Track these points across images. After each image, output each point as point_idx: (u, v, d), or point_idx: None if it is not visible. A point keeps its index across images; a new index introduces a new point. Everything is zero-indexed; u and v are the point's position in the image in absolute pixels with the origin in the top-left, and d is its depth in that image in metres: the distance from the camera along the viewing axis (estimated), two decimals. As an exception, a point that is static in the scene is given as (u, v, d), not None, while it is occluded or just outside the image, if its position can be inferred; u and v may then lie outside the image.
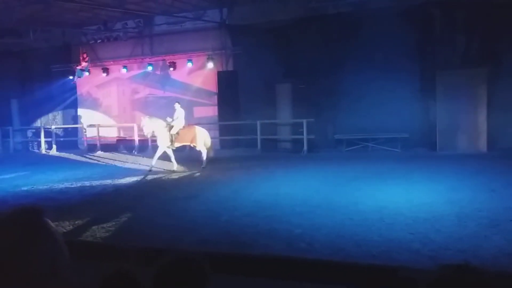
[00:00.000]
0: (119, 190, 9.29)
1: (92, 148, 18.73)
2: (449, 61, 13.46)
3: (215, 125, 17.69)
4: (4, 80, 19.71)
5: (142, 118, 12.71)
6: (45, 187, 9.99)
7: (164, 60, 18.35)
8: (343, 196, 7.73)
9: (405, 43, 13.79)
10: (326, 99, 14.71)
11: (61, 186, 10.02)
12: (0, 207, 7.69)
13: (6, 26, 16.23)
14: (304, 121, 14.70)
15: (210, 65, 17.22)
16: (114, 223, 6.51)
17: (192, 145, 12.33)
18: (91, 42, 18.80)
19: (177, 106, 12.50)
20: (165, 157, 11.91)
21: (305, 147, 14.82)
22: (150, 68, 18.44)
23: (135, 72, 19.28)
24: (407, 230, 5.57)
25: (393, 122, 13.74)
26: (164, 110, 18.72)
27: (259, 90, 15.93)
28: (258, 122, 15.55)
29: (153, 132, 12.13)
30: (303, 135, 14.85)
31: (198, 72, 17.94)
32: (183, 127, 12.19)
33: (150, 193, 8.94)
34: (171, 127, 11.97)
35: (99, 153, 17.11)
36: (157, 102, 19.18)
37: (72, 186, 9.98)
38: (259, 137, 15.65)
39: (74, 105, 20.62)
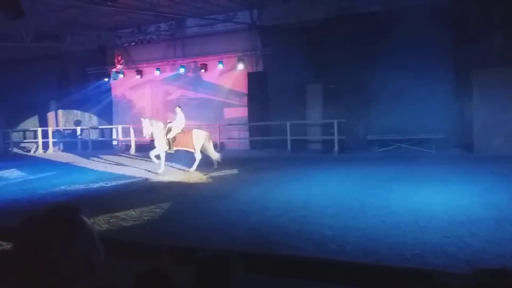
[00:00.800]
0: (152, 190, 9.46)
1: (127, 148, 19.21)
2: (485, 59, 12.96)
3: (245, 126, 17.79)
4: (43, 82, 20.50)
5: (142, 119, 12.69)
6: (82, 186, 10.32)
7: (195, 62, 18.61)
8: (375, 198, 7.60)
9: (439, 41, 13.41)
10: (358, 99, 14.50)
11: (96, 185, 10.32)
12: (40, 204, 8.00)
13: (45, 31, 16.89)
14: (335, 122, 14.55)
15: (241, 66, 17.33)
16: (147, 221, 6.65)
17: (189, 150, 12.10)
18: (125, 45, 19.31)
19: (178, 110, 12.47)
20: (190, 159, 11.98)
21: (336, 148, 14.65)
22: (182, 70, 18.74)
23: (168, 74, 19.64)
24: (442, 233, 5.41)
25: (427, 123, 13.39)
26: (195, 111, 19.02)
27: (289, 90, 15.88)
28: (288, 123, 15.51)
29: (152, 133, 12.10)
30: (334, 136, 14.70)
31: (229, 74, 18.09)
32: (181, 131, 12.13)
33: (181, 192, 9.06)
34: (169, 131, 11.98)
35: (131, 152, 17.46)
36: (189, 103, 19.45)
37: (107, 185, 10.26)
38: (289, 138, 15.60)
39: (109, 106, 21.21)
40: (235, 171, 11.82)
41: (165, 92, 20.12)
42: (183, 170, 12.19)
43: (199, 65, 18.36)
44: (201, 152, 12.00)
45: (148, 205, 7.89)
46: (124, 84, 20.61)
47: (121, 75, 19.60)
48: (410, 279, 2.29)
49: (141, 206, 7.80)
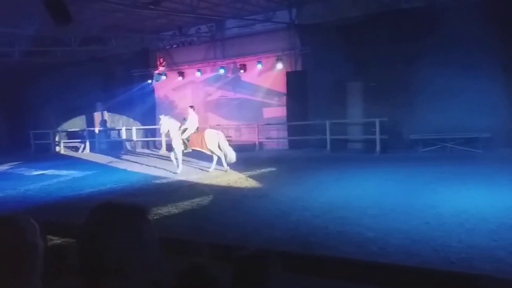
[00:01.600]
0: (194, 188, 9.65)
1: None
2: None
3: (284, 126, 17.77)
4: (90, 84, 21.40)
5: (161, 116, 12.72)
6: (127, 184, 10.68)
7: (234, 62, 18.79)
8: (419, 199, 7.38)
9: (485, 36, 12.77)
10: (400, 97, 14.12)
11: (140, 183, 10.65)
12: (88, 202, 8.36)
13: (91, 35, 17.62)
14: (377, 121, 14.23)
15: (279, 65, 17.32)
16: (188, 219, 6.79)
17: (202, 150, 12.06)
18: (167, 47, 19.81)
19: (190, 110, 12.49)
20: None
21: (378, 148, 14.34)
22: (222, 71, 18.97)
23: (208, 75, 19.94)
24: (490, 237, 5.18)
25: (474, 121, 12.81)
26: (235, 111, 19.23)
27: (329, 89, 15.70)
28: (328, 122, 15.33)
29: (168, 131, 12.22)
30: (375, 135, 14.39)
31: (268, 73, 18.13)
32: (195, 132, 12.14)
33: (221, 191, 9.19)
34: (183, 131, 12.07)
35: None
36: (229, 103, 19.70)
37: (150, 183, 10.56)
38: (328, 137, 15.42)
39: (153, 107, 21.80)
40: (273, 170, 11.83)
41: (206, 93, 20.45)
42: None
43: (238, 66, 18.52)
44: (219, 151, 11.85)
45: (189, 203, 8.06)
46: (167, 85, 21.12)
47: (163, 77, 20.08)
48: (455, 284, 2.22)
49: (182, 204, 7.98)
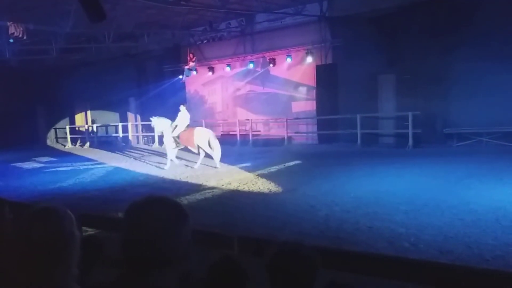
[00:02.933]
0: (223, 182, 9.74)
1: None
2: None
3: (313, 120, 17.64)
4: (123, 80, 21.93)
5: (151, 118, 13.00)
6: (159, 177, 10.90)
7: (264, 56, 18.78)
8: (453, 195, 7.19)
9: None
10: (434, 90, 13.74)
11: (171, 176, 10.84)
12: (121, 195, 8.60)
13: (125, 31, 18.01)
14: (410, 114, 13.91)
15: (309, 59, 17.19)
16: (217, 212, 6.87)
17: (193, 148, 12.18)
18: (198, 43, 20.01)
19: (182, 108, 12.59)
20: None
21: (411, 142, 14.03)
22: (251, 66, 19.00)
23: (238, 69, 20.03)
24: (529, 235, 5.00)
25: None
26: (264, 105, 19.24)
27: (360, 82, 15.46)
28: (358, 116, 15.10)
29: (162, 131, 12.57)
30: (408, 129, 14.07)
31: (297, 67, 18.03)
32: (185, 129, 12.26)
33: (250, 186, 9.22)
34: (174, 128, 12.25)
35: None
36: (257, 98, 19.73)
37: (180, 177, 10.73)
38: (359, 131, 15.20)
39: (184, 102, 22.05)
40: (302, 165, 11.78)
41: (235, 87, 20.55)
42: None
43: (267, 60, 18.50)
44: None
45: (218, 197, 8.16)
46: (197, 80, 21.37)
47: (193, 72, 20.31)
48: (490, 282, 2.16)
49: (211, 198, 8.09)
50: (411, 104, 14.01)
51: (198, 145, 11.95)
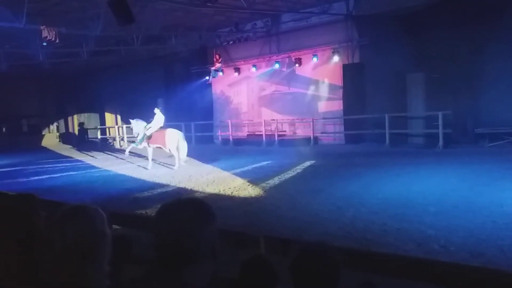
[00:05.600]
0: (249, 181, 9.77)
1: (225, 142, 20.10)
2: None
3: (340, 120, 17.47)
4: (151, 82, 22.33)
5: (131, 120, 13.83)
6: (185, 177, 11.04)
7: (289, 56, 18.73)
8: (485, 196, 6.97)
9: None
10: (465, 89, 13.38)
11: (194, 177, 10.94)
12: (149, 195, 8.76)
13: (153, 34, 18.32)
14: (440, 114, 13.58)
15: (336, 58, 17.05)
16: (243, 212, 6.90)
17: (162, 147, 12.86)
18: (224, 44, 20.16)
19: (156, 111, 13.38)
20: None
21: (441, 142, 13.69)
22: (277, 66, 18.99)
23: (263, 70, 20.06)
24: None
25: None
26: (289, 105, 19.20)
27: (387, 81, 15.21)
28: (387, 116, 14.86)
29: (138, 133, 13.34)
30: (438, 129, 13.74)
31: (323, 67, 17.90)
32: (158, 130, 12.99)
33: (275, 185, 9.23)
34: (148, 129, 13.01)
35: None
36: (283, 98, 19.70)
37: (203, 177, 10.82)
38: (387, 131, 14.95)
39: (210, 103, 22.32)
40: (329, 165, 11.68)
41: (260, 88, 20.60)
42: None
43: (293, 60, 18.45)
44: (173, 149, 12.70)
45: (244, 196, 8.19)
46: (223, 81, 21.53)
47: (220, 73, 20.47)
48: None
49: (238, 197, 8.13)
50: (440, 103, 13.68)
51: (168, 147, 12.76)
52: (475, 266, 3.33)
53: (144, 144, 13.15)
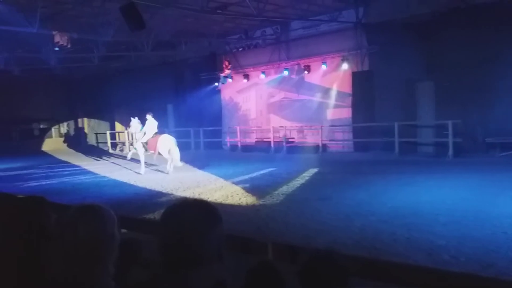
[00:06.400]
0: (257, 188, 9.76)
1: (234, 148, 20.13)
2: None
3: (349, 127, 17.41)
4: (161, 88, 22.47)
5: (132, 118, 13.93)
6: (194, 183, 11.05)
7: (299, 64, 18.75)
8: (496, 206, 6.88)
9: None
10: (476, 98, 13.25)
11: (203, 183, 10.95)
12: (158, 199, 8.77)
13: (163, 40, 18.49)
14: (450, 122, 13.47)
15: (345, 66, 17.03)
16: (251, 218, 6.88)
17: (156, 152, 13.01)
18: (233, 51, 20.27)
19: (148, 117, 13.43)
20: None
21: (451, 152, 13.57)
22: (286, 73, 19.01)
23: (272, 77, 20.09)
24: None
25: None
26: (298, 112, 19.18)
27: (397, 89, 15.14)
28: (396, 124, 14.77)
29: (134, 133, 13.63)
30: (448, 138, 13.63)
31: (332, 74, 17.88)
32: (153, 136, 13.18)
33: (283, 192, 9.18)
34: (143, 135, 13.21)
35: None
36: (291, 105, 19.70)
37: (210, 183, 10.83)
38: (396, 140, 14.86)
39: (219, 109, 22.39)
40: (337, 173, 11.62)
41: (269, 94, 20.62)
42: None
43: (302, 67, 18.47)
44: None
45: (252, 203, 8.17)
46: (232, 87, 21.60)
47: (229, 80, 20.55)
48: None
49: (246, 204, 8.11)
50: (451, 112, 13.57)
51: (159, 151, 12.95)
52: (486, 276, 3.28)
53: (142, 149, 13.36)
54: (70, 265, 1.47)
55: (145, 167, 13.62)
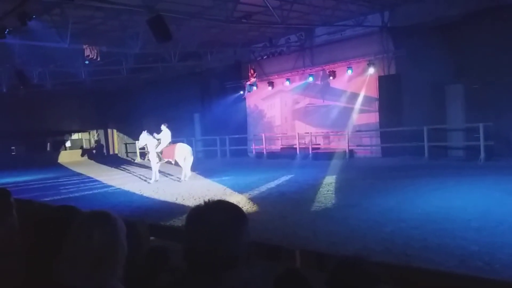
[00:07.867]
0: (284, 195, 9.75)
1: (259, 155, 20.16)
2: None
3: (376, 132, 17.17)
4: (188, 97, 22.83)
5: (144, 131, 14.15)
6: (218, 191, 11.14)
7: (324, 69, 18.68)
8: (532, 212, 6.63)
9: None
10: (507, 100, 12.84)
11: (229, 192, 11.01)
12: (183, 206, 8.88)
13: (189, 50, 18.79)
14: (481, 125, 13.10)
15: (371, 70, 16.85)
16: (278, 225, 6.86)
17: (172, 161, 13.40)
18: (258, 59, 20.39)
19: (163, 127, 13.71)
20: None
21: (482, 155, 13.17)
22: (311, 79, 18.97)
23: (297, 83, 20.08)
24: None
25: None
26: (323, 118, 19.07)
27: (425, 93, 14.85)
28: (425, 128, 14.47)
29: (145, 145, 13.85)
30: (479, 141, 13.24)
31: (358, 79, 17.72)
32: (167, 145, 13.57)
33: (311, 198, 9.13)
34: (158, 145, 13.42)
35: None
36: (317, 111, 19.61)
37: (236, 190, 10.87)
38: (426, 144, 14.55)
39: (244, 117, 22.53)
40: (366, 179, 11.46)
41: (294, 101, 20.61)
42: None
43: (327, 73, 18.38)
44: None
45: (280, 210, 8.14)
46: (257, 95, 21.72)
47: (254, 88, 20.68)
48: None
49: (273, 210, 8.09)
50: (481, 115, 13.20)
51: (176, 159, 13.26)
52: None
53: (156, 159, 13.64)
54: (82, 267, 1.52)
55: (161, 176, 14.04)
